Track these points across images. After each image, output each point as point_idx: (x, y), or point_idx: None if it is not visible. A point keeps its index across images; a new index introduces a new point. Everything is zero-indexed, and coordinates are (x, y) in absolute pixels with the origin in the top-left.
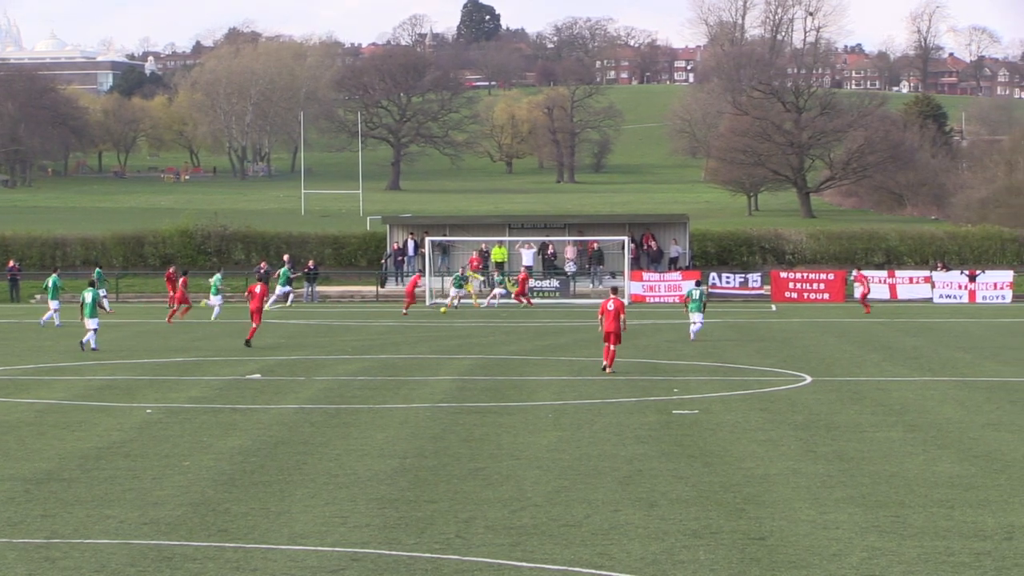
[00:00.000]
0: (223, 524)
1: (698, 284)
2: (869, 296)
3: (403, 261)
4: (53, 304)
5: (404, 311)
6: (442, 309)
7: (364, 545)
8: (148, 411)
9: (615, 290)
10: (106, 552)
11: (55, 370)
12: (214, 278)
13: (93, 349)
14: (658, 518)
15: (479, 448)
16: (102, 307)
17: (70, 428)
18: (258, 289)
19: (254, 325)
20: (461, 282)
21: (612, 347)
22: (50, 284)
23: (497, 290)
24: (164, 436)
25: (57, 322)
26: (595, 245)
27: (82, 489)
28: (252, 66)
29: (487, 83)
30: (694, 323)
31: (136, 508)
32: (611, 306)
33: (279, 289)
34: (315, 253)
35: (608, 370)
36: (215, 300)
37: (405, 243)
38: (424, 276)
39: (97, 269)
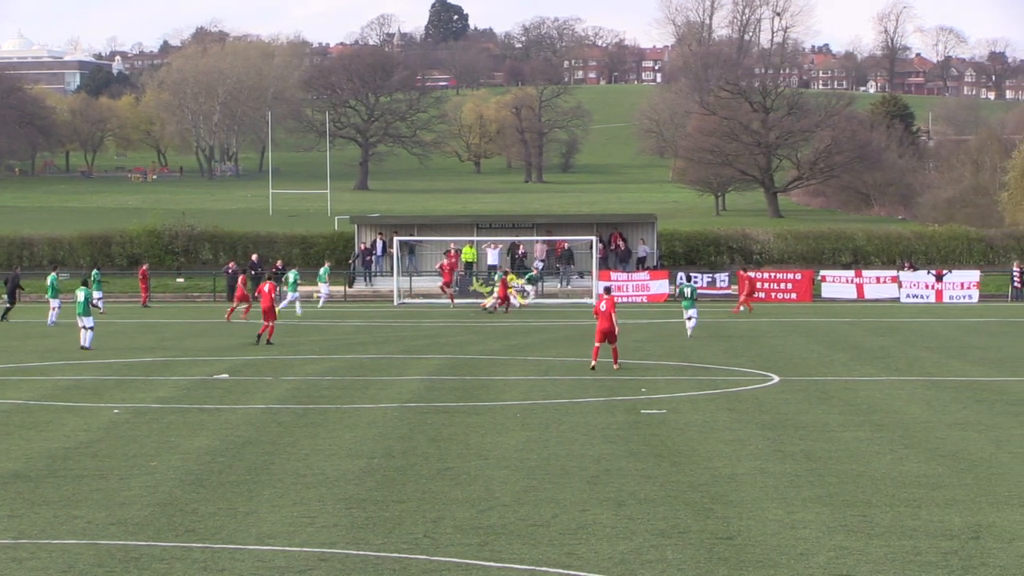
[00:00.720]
0: (190, 524)
1: (689, 279)
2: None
3: (371, 261)
4: (54, 303)
5: (506, 310)
6: (520, 304)
7: (332, 545)
8: (115, 411)
9: (607, 290)
10: (73, 552)
11: (22, 370)
12: (292, 274)
13: (86, 347)
14: (626, 518)
15: (447, 448)
16: (95, 306)
17: (37, 428)
18: (267, 288)
19: (270, 324)
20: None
21: (608, 345)
22: (49, 283)
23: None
24: (131, 436)
25: (53, 319)
26: (564, 245)
27: (49, 489)
28: (219, 66)
29: (447, 83)
30: (689, 319)
31: (103, 508)
32: (603, 306)
33: (323, 287)
34: (283, 253)
35: (616, 366)
36: (292, 296)
37: (373, 243)
38: (393, 276)
39: (95, 270)
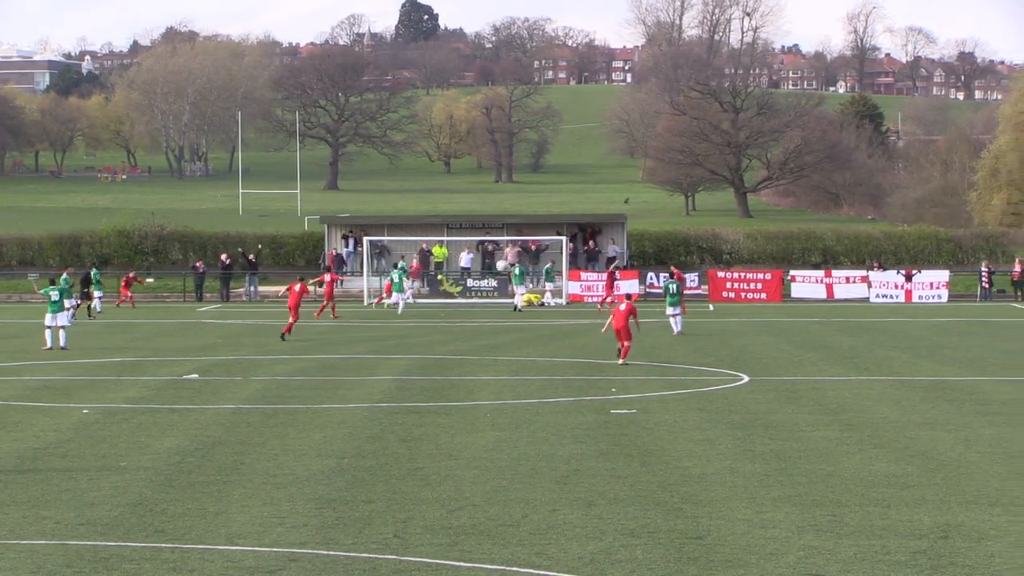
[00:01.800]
0: (160, 525)
1: (673, 279)
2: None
3: (341, 261)
4: (69, 303)
5: (600, 307)
6: (524, 304)
7: (302, 545)
8: (85, 411)
9: (628, 296)
10: (42, 553)
11: None
12: (396, 273)
13: (63, 347)
14: (596, 517)
15: (417, 448)
16: (74, 305)
17: (6, 428)
18: (297, 287)
19: (291, 320)
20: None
21: (626, 343)
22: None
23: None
24: (101, 436)
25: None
26: (536, 245)
27: (18, 490)
28: (189, 65)
29: (413, 84)
30: (674, 315)
31: (73, 509)
32: (622, 307)
33: (406, 287)
34: (251, 249)
35: (621, 362)
36: (398, 296)
37: (344, 243)
38: (363, 276)
39: (94, 269)
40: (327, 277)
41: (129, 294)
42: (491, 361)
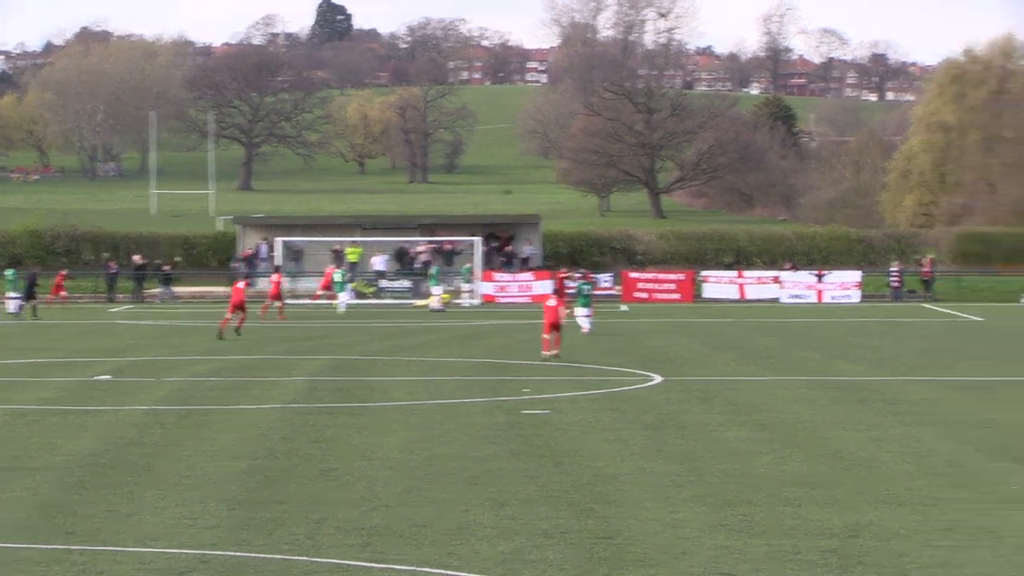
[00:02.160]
0: (71, 526)
1: (586, 280)
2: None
3: (256, 262)
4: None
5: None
6: (421, 305)
7: (213, 547)
8: None
9: (556, 292)
10: None
11: None
12: (339, 273)
13: None
14: (507, 518)
15: (330, 449)
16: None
17: None
18: (241, 284)
19: (228, 316)
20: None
21: (556, 335)
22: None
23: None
24: (11, 438)
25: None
26: (450, 245)
27: None
28: (103, 65)
29: (327, 84)
30: (584, 317)
31: None
32: (552, 302)
33: (344, 293)
34: (166, 254)
35: (557, 352)
36: (344, 296)
37: (258, 244)
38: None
39: (10, 270)
40: (274, 278)
41: (64, 293)
42: (405, 362)
